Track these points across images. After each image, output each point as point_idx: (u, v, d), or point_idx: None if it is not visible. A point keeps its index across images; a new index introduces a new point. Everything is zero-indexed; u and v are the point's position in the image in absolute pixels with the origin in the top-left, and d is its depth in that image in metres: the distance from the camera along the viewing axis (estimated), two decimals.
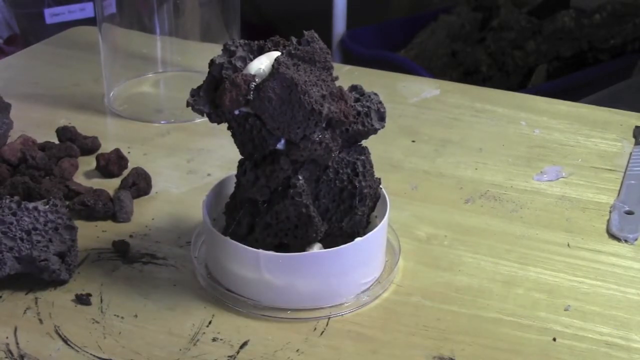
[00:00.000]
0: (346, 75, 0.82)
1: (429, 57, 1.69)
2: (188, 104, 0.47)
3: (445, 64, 1.69)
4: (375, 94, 0.51)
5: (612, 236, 0.58)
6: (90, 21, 0.92)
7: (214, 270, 0.52)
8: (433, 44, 1.71)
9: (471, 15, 1.75)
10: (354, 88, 0.51)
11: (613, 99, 1.32)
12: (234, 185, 0.51)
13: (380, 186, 0.52)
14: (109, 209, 0.58)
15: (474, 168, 0.67)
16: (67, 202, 0.58)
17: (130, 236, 0.56)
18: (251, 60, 0.47)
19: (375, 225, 0.51)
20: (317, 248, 0.49)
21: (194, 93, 0.47)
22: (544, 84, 1.59)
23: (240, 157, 0.50)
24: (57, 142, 0.67)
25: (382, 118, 0.50)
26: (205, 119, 0.48)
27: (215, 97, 0.47)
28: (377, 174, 0.51)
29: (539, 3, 1.73)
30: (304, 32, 0.48)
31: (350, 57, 1.61)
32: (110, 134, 0.73)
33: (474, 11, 1.77)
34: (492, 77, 1.67)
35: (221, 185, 0.54)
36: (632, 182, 0.64)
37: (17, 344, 0.46)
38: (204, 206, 0.52)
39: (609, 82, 1.46)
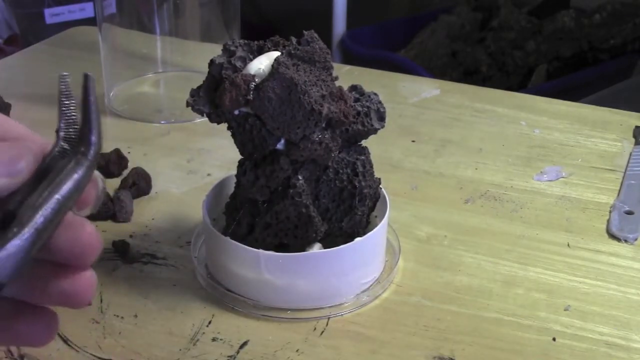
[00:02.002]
0: (346, 75, 0.82)
1: (429, 57, 1.69)
2: (188, 104, 0.47)
3: (445, 64, 1.69)
4: (375, 94, 0.51)
5: (612, 236, 0.58)
6: (90, 21, 0.92)
7: (214, 270, 0.52)
8: (433, 44, 1.71)
9: (471, 15, 1.75)
10: (353, 88, 0.51)
11: (613, 99, 1.32)
12: (234, 185, 0.51)
13: (380, 186, 0.52)
14: (109, 209, 0.58)
15: (474, 168, 0.67)
16: None
17: (130, 236, 0.56)
18: (251, 60, 0.47)
19: (375, 225, 0.51)
20: (317, 248, 0.49)
21: (194, 93, 0.47)
22: (544, 84, 1.59)
23: (240, 157, 0.50)
24: None
25: (382, 118, 0.50)
26: (205, 119, 0.48)
27: (215, 97, 0.47)
28: (377, 174, 0.51)
29: (539, 3, 1.74)
30: (304, 32, 0.48)
31: (350, 57, 1.61)
32: (110, 134, 0.73)
33: (474, 11, 1.77)
34: (492, 77, 1.67)
35: (221, 185, 0.54)
36: (632, 182, 0.64)
37: None
38: (203, 206, 0.52)
39: (609, 82, 1.46)
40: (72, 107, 0.35)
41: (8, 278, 0.31)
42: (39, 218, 0.31)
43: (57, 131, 0.35)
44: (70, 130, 0.36)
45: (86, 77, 0.35)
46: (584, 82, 1.54)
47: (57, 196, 0.32)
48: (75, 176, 0.33)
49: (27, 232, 0.31)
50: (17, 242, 0.31)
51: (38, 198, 0.32)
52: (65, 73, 0.35)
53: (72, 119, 0.36)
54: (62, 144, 0.35)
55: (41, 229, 0.31)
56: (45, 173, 0.33)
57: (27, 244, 0.31)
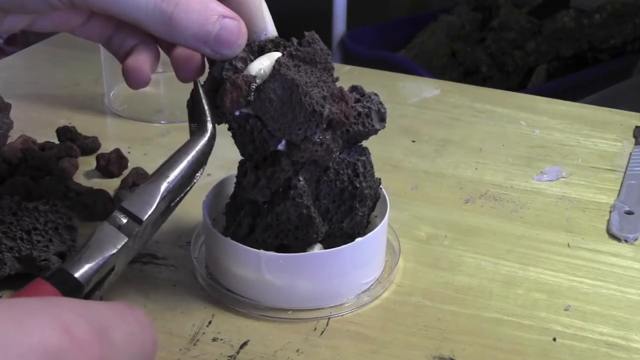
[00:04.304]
0: (346, 76, 0.82)
1: (429, 57, 1.69)
2: (188, 105, 0.47)
3: (445, 64, 1.69)
4: (376, 95, 0.51)
5: (612, 236, 0.58)
6: None
7: (214, 270, 0.52)
8: (433, 44, 1.71)
9: (471, 15, 1.75)
10: (354, 88, 0.51)
11: (613, 99, 1.32)
12: (234, 185, 0.51)
13: (380, 186, 0.52)
14: (109, 209, 0.58)
15: (474, 168, 0.67)
16: (67, 202, 0.58)
17: None
18: (252, 61, 0.47)
19: (375, 225, 0.51)
20: (317, 249, 0.49)
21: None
22: (544, 84, 1.59)
23: (240, 157, 0.50)
24: (57, 142, 0.67)
25: (382, 119, 0.50)
26: None
27: (215, 97, 0.47)
28: (377, 174, 0.51)
29: (539, 3, 1.74)
30: (305, 33, 0.48)
31: (350, 57, 1.61)
32: (110, 134, 0.73)
33: (474, 11, 1.77)
34: (492, 77, 1.67)
35: (221, 185, 0.54)
36: (632, 182, 0.64)
37: None
38: (204, 207, 0.51)
39: (609, 82, 1.46)
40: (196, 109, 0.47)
41: (146, 215, 0.41)
42: (170, 173, 0.43)
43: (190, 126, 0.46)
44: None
45: (196, 82, 0.47)
46: (584, 82, 1.54)
47: (185, 158, 0.44)
48: (197, 147, 0.45)
49: (162, 182, 0.42)
50: (150, 187, 0.42)
51: (173, 160, 0.44)
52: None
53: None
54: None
55: (172, 181, 0.43)
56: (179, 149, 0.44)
57: (160, 190, 0.42)
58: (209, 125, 0.46)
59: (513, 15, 1.69)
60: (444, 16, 1.76)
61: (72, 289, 0.38)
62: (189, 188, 0.45)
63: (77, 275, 0.38)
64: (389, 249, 0.54)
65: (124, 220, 0.41)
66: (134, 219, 0.41)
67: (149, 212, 0.42)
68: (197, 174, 0.45)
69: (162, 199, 0.42)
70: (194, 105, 0.47)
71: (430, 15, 1.79)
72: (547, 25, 1.66)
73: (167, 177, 0.43)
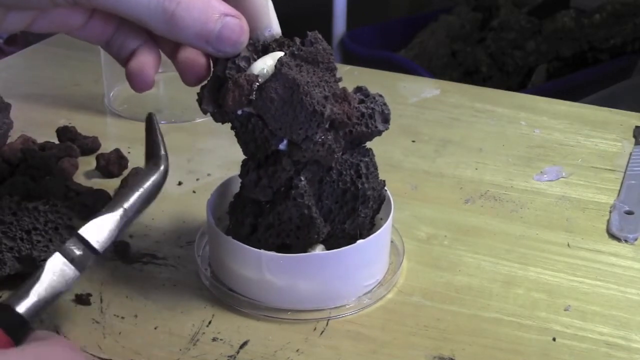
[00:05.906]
0: (346, 75, 0.82)
1: (429, 57, 1.69)
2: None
3: (445, 64, 1.69)
4: (380, 96, 0.51)
5: (612, 236, 0.58)
6: None
7: (216, 269, 0.52)
8: (433, 44, 1.71)
9: (471, 15, 1.75)
10: (358, 89, 0.51)
11: (613, 99, 1.32)
12: (239, 185, 0.51)
13: (385, 188, 0.52)
14: None
15: (474, 168, 0.67)
16: (67, 202, 0.58)
17: (130, 236, 0.56)
18: (255, 60, 0.47)
19: (380, 228, 0.50)
20: (319, 249, 0.49)
21: (200, 92, 0.48)
22: (544, 84, 1.59)
23: (242, 157, 0.50)
24: (57, 142, 0.67)
25: (386, 120, 0.50)
26: (205, 118, 0.48)
27: (219, 96, 0.47)
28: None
29: (539, 3, 1.74)
30: (308, 32, 0.48)
31: (351, 57, 1.61)
32: (110, 134, 0.73)
33: (474, 11, 1.77)
34: (492, 77, 1.67)
35: (226, 185, 0.54)
36: (632, 182, 0.64)
37: None
38: (208, 205, 0.51)
39: (609, 82, 1.46)
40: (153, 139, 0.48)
41: (101, 246, 0.42)
42: (126, 203, 0.43)
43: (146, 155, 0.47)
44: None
45: (151, 115, 0.49)
46: (584, 82, 1.54)
47: (140, 190, 0.44)
48: (152, 181, 0.45)
49: (119, 212, 0.43)
50: (107, 217, 0.42)
51: (128, 191, 0.44)
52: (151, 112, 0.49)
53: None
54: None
55: (128, 210, 0.43)
56: (133, 178, 0.47)
57: (117, 219, 0.43)
58: (163, 161, 0.46)
59: (513, 15, 1.69)
60: (444, 16, 1.76)
61: (17, 325, 0.38)
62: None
63: (22, 312, 0.38)
64: (393, 250, 0.54)
65: (78, 253, 0.41)
66: (90, 249, 0.41)
67: (106, 243, 0.42)
68: (147, 207, 0.45)
69: (119, 229, 0.43)
70: (147, 138, 0.47)
71: (430, 15, 1.79)
72: (547, 25, 1.66)
73: (124, 207, 0.43)
